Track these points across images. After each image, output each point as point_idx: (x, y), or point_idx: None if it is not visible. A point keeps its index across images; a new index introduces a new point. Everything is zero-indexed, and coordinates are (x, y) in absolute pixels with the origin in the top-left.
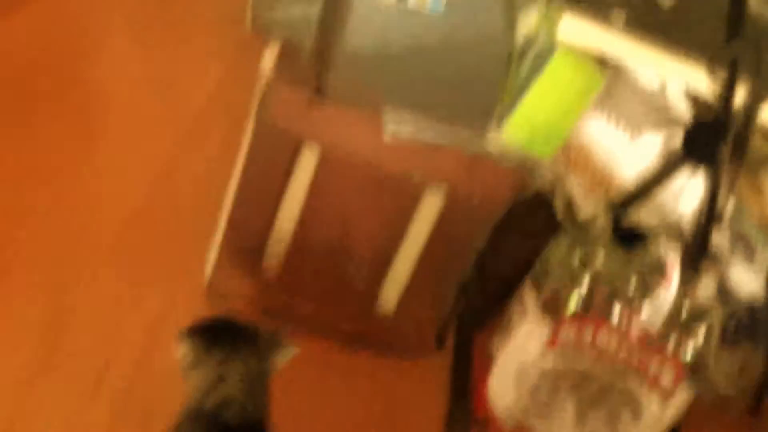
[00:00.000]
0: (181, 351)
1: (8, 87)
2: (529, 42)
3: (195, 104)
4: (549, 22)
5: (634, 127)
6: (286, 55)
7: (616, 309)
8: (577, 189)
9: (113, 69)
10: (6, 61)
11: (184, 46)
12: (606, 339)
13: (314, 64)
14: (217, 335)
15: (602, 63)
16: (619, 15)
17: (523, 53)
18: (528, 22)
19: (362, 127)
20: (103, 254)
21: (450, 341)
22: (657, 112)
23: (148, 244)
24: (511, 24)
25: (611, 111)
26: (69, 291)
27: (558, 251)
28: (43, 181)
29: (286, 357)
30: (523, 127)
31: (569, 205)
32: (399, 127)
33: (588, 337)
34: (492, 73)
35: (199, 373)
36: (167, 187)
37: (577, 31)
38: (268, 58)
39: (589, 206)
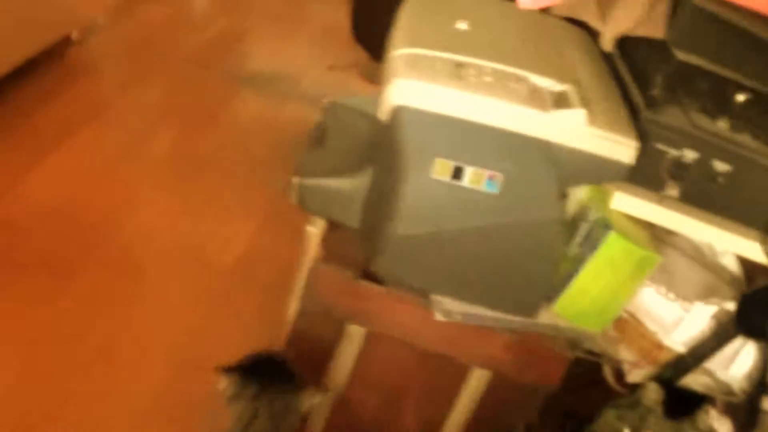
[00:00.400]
0: (222, 384)
1: (39, 240)
2: (581, 215)
3: (224, 266)
4: (600, 196)
5: (686, 297)
6: (332, 232)
7: None
8: (627, 357)
9: (145, 226)
10: (36, 212)
11: (217, 207)
12: None
13: (362, 241)
14: (253, 371)
15: (656, 234)
16: (672, 187)
17: (574, 226)
18: (579, 194)
19: (410, 309)
20: (137, 420)
21: None
22: (710, 282)
23: (180, 412)
24: (565, 206)
25: (663, 281)
26: None
27: (606, 422)
28: (76, 339)
29: (314, 399)
30: (576, 303)
31: (619, 374)
32: (448, 310)
33: None
34: (546, 257)
35: (237, 406)
36: (198, 352)
37: (630, 205)
38: (314, 235)
39: (639, 375)
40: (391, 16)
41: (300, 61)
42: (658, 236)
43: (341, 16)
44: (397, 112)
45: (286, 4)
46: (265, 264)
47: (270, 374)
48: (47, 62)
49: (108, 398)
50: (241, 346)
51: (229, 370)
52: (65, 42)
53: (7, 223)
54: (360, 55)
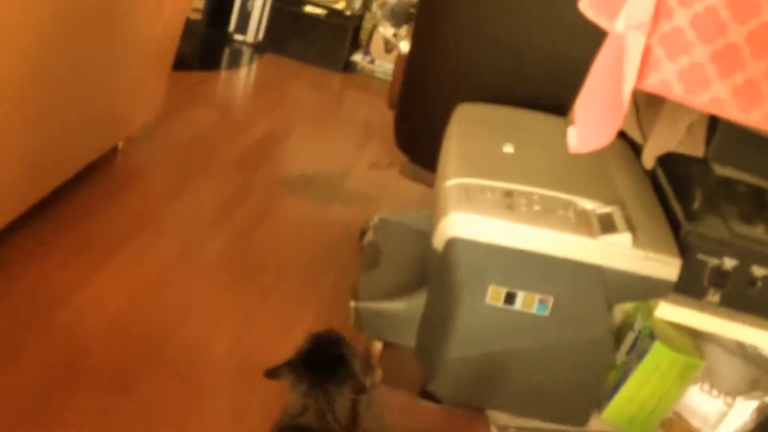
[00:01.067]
0: (283, 377)
1: (99, 351)
2: (627, 325)
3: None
4: (646, 306)
5: (729, 392)
6: (389, 352)
7: None
8: None
9: (201, 334)
10: (94, 323)
11: (269, 311)
12: None
13: (418, 360)
14: (308, 365)
15: (697, 333)
16: (714, 294)
17: (621, 335)
18: (624, 305)
19: (467, 426)
20: None
21: None
22: (752, 376)
23: None
24: (612, 321)
25: (706, 378)
26: None
27: None
28: None
29: (374, 380)
30: (624, 410)
31: None
32: (504, 425)
33: None
34: (594, 371)
35: (291, 398)
36: None
37: (674, 313)
38: (375, 355)
39: None
40: (431, 125)
41: (341, 161)
42: (701, 334)
43: (377, 115)
44: (452, 243)
45: (323, 104)
46: None
47: (322, 367)
48: (96, 172)
49: None
50: None
51: (281, 367)
52: (113, 150)
53: (67, 334)
54: (399, 153)
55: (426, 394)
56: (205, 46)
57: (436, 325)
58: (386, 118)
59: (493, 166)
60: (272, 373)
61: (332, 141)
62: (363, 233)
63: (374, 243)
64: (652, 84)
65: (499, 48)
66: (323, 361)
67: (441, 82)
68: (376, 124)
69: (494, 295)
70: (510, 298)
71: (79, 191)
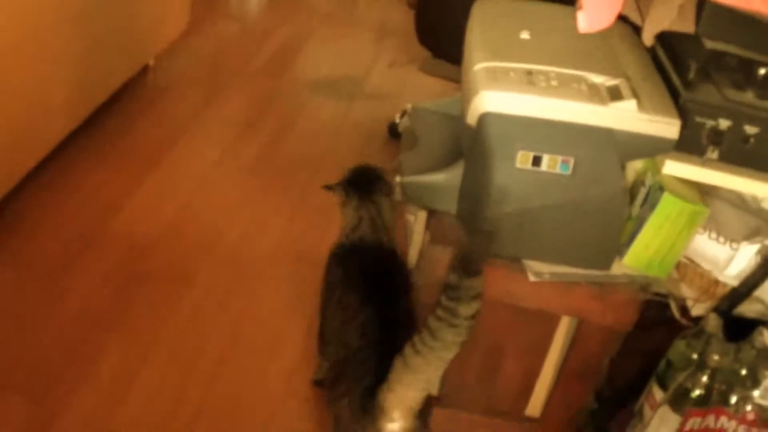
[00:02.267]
0: (335, 197)
1: (155, 251)
2: (639, 182)
3: (322, 258)
4: (654, 164)
5: (734, 238)
6: (433, 219)
7: (733, 397)
8: (689, 295)
9: (246, 230)
10: (147, 226)
11: (309, 206)
12: (726, 424)
13: (460, 223)
14: (355, 183)
15: (704, 189)
16: (712, 151)
17: (634, 192)
18: (636, 165)
19: (507, 274)
20: (273, 403)
21: None
22: (753, 224)
23: (311, 392)
24: (626, 177)
25: (713, 228)
26: None
27: (678, 351)
28: (209, 334)
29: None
30: (642, 255)
31: (684, 309)
32: (539, 271)
33: (711, 424)
34: (613, 222)
35: (345, 214)
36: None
37: (679, 169)
38: (413, 223)
39: (701, 309)
40: (452, 21)
41: (362, 61)
42: (707, 191)
43: (392, 15)
44: (484, 117)
45: (338, 7)
46: None
47: (366, 184)
48: (131, 89)
49: (245, 384)
50: None
51: (334, 186)
52: (144, 68)
53: (124, 238)
54: (416, 50)
55: None
56: None
57: (474, 189)
58: (401, 17)
59: (513, 51)
60: (329, 187)
61: (351, 42)
62: (390, 127)
63: (410, 128)
64: None
65: None
66: (366, 180)
67: None
68: (391, 24)
69: (523, 159)
70: (536, 161)
71: (118, 108)
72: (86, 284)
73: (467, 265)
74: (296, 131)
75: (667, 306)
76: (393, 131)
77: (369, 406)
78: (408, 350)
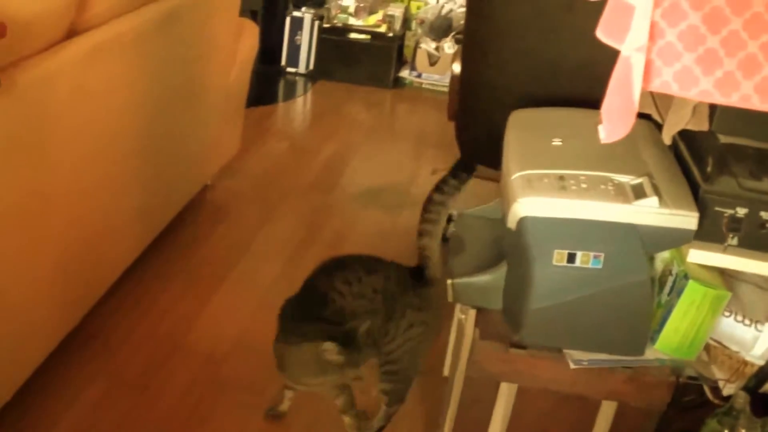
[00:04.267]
0: None
1: (228, 365)
2: (667, 271)
3: None
4: (679, 254)
5: (758, 320)
6: (482, 316)
7: None
8: (720, 376)
9: None
10: (218, 341)
11: None
12: None
13: (505, 319)
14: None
15: (729, 274)
16: (732, 238)
17: (662, 281)
18: (663, 256)
19: (549, 364)
20: None
21: None
22: None
23: None
24: (653, 268)
25: (738, 311)
26: None
27: (710, 428)
28: None
29: None
30: (671, 339)
31: (715, 390)
32: (578, 359)
33: None
34: (642, 309)
35: None
36: None
37: (702, 257)
38: (470, 320)
39: (731, 389)
40: (490, 131)
41: (405, 171)
42: (732, 274)
43: (430, 124)
44: (523, 221)
45: (379, 120)
46: None
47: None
48: (192, 210)
49: None
50: None
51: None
52: (203, 189)
53: (198, 352)
54: (456, 155)
55: (514, 344)
56: (261, 82)
57: (516, 287)
58: (440, 125)
59: (546, 157)
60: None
61: (393, 153)
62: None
63: (456, 233)
64: (656, 86)
65: (536, 61)
66: None
67: (491, 94)
68: (430, 132)
69: (559, 257)
70: (571, 258)
71: (181, 229)
72: (170, 394)
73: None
74: (349, 242)
75: (701, 392)
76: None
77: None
78: None
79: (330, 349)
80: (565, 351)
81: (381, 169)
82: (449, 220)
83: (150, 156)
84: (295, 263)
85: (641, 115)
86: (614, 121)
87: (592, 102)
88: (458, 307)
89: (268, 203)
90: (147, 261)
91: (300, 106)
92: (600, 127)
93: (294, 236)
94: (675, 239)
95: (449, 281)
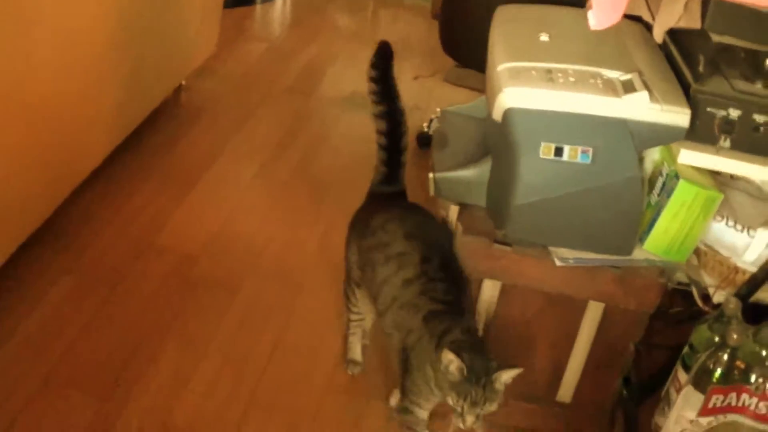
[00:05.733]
0: None
1: (203, 262)
2: (657, 172)
3: None
4: (670, 155)
5: (751, 225)
6: (464, 212)
7: (754, 376)
8: (709, 281)
9: (289, 240)
10: (193, 239)
11: (347, 217)
12: (748, 400)
13: (489, 215)
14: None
15: (720, 180)
16: (724, 140)
17: (653, 181)
18: (653, 156)
19: (534, 261)
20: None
21: (619, 421)
22: (765, 211)
23: (352, 386)
24: (642, 166)
25: (729, 215)
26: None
27: (700, 335)
28: (255, 339)
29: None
30: (661, 241)
31: (706, 297)
32: (564, 257)
33: (732, 401)
34: (631, 207)
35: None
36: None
37: (694, 158)
38: (453, 215)
39: (721, 295)
40: (475, 29)
41: None
42: (723, 182)
43: (413, 30)
44: (509, 112)
45: (361, 25)
46: None
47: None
48: (166, 110)
49: (292, 380)
50: None
51: None
52: (177, 89)
53: (172, 251)
54: (439, 63)
55: (498, 241)
56: None
57: (501, 182)
58: (422, 32)
59: (533, 52)
60: None
61: None
62: (419, 137)
63: (440, 129)
64: None
65: None
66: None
67: None
68: (413, 38)
69: (546, 151)
70: (558, 152)
71: (156, 130)
72: (141, 292)
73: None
74: (328, 146)
75: (691, 302)
76: (421, 141)
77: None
78: None
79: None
80: (551, 249)
81: (362, 74)
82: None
83: (127, 49)
84: (272, 165)
85: (632, 18)
86: (604, 5)
87: (579, 1)
88: (440, 202)
89: (245, 105)
90: (120, 161)
91: (279, 8)
92: (590, 13)
93: (271, 138)
94: (666, 136)
95: (431, 175)
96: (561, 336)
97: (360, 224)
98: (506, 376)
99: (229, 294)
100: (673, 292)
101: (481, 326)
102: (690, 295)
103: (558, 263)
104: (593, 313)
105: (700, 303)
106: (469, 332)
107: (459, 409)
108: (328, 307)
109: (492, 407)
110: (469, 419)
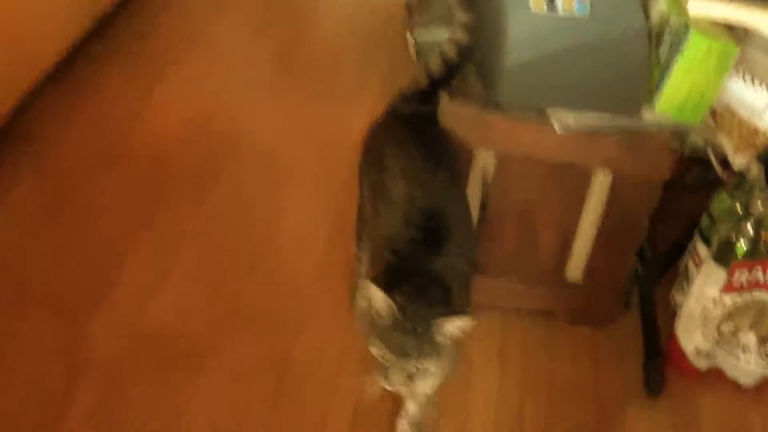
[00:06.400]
0: None
1: (180, 149)
2: (663, 23)
3: (351, 144)
4: (678, 4)
5: None
6: None
7: None
8: (727, 145)
9: (272, 119)
10: (170, 126)
11: (333, 95)
12: None
13: (479, 79)
14: None
15: (731, 30)
16: None
17: (659, 35)
18: (659, 6)
19: (531, 127)
20: (304, 293)
21: (634, 300)
22: None
23: (339, 279)
24: (646, 14)
25: (746, 72)
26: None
27: (720, 203)
28: (240, 228)
29: None
30: (673, 100)
31: (724, 163)
32: (565, 122)
33: (759, 276)
34: (636, 62)
35: None
36: (349, 219)
37: (705, 7)
38: None
39: (740, 159)
40: None
41: None
42: (738, 38)
43: None
44: None
45: None
46: None
47: None
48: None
49: (277, 277)
50: None
51: None
52: None
53: (147, 141)
54: None
55: (490, 106)
56: None
57: (489, 41)
58: None
59: None
60: None
61: None
62: (408, 4)
63: None
64: None
65: None
66: None
67: None
68: None
69: (537, 4)
70: (551, 3)
71: (125, 19)
72: (112, 190)
73: None
74: (315, 22)
75: (708, 168)
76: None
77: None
78: None
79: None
80: (550, 114)
81: None
82: None
83: None
84: (256, 43)
85: None
86: None
87: None
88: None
89: None
90: (87, 52)
91: None
92: None
93: (254, 16)
94: None
95: (408, 34)
96: (566, 210)
97: (372, 155)
98: (451, 327)
99: (208, 185)
100: (688, 158)
101: (477, 204)
102: (706, 161)
103: (558, 130)
104: (600, 183)
105: (718, 169)
106: (428, 269)
107: (383, 364)
108: (316, 194)
109: (428, 366)
110: (395, 378)
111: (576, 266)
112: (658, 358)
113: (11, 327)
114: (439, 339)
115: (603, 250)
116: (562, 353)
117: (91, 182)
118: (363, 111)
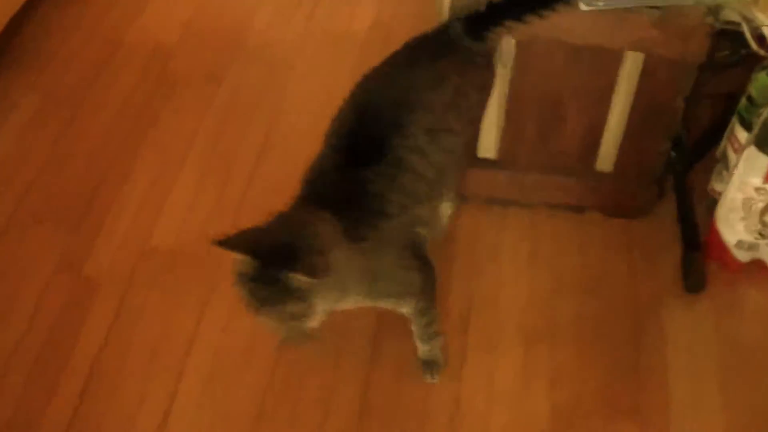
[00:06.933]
0: None
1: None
2: None
3: (359, 35)
4: None
5: None
6: None
7: None
8: (763, 19)
9: (275, 18)
10: (170, 28)
11: None
12: None
13: None
14: None
15: None
16: None
17: None
18: None
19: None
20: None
21: (669, 189)
22: None
23: None
24: None
25: None
26: None
27: (760, 84)
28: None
29: None
30: None
31: (761, 39)
32: (591, 0)
33: None
34: None
35: None
36: None
37: None
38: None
39: None
40: None
41: None
42: None
43: None
44: None
45: None
46: (396, 30)
47: None
48: None
49: (282, 181)
50: None
51: None
52: None
53: (145, 46)
54: None
55: None
56: None
57: None
58: None
59: None
60: None
61: None
62: None
63: None
64: None
65: None
66: None
67: None
68: None
69: None
70: None
71: None
72: (113, 100)
73: None
74: None
75: (743, 45)
76: None
77: None
78: None
79: None
80: None
81: None
82: None
83: None
84: None
85: None
86: None
87: None
88: None
89: None
90: None
91: None
92: None
93: None
94: None
95: None
96: (594, 96)
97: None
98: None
99: (211, 87)
100: (720, 34)
101: (499, 91)
102: (739, 36)
103: (583, 6)
104: (631, 65)
105: (753, 45)
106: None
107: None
108: (320, 89)
109: (286, 309)
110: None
111: (606, 155)
112: (697, 251)
113: (16, 242)
114: (294, 284)
115: (635, 136)
116: (595, 251)
117: (93, 92)
118: (366, 6)
